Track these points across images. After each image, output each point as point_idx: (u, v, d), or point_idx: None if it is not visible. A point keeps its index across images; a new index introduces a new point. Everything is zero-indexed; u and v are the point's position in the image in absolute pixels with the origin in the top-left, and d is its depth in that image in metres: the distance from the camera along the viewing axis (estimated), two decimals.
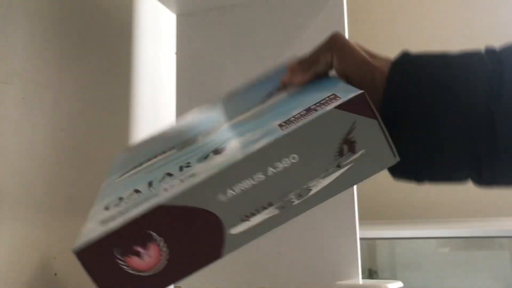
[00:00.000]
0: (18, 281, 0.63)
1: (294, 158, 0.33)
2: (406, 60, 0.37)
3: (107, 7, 0.86)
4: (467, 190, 1.74)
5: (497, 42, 0.40)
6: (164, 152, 0.44)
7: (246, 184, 0.33)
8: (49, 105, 0.70)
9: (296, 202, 0.35)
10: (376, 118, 0.34)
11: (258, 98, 0.46)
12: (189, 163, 0.37)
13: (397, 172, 0.38)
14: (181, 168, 0.36)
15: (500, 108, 0.33)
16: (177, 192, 0.32)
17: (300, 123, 0.33)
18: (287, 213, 0.35)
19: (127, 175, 0.44)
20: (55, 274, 0.69)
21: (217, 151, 0.36)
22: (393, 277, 1.58)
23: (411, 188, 1.80)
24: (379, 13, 1.91)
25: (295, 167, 0.34)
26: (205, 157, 0.36)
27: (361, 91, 0.33)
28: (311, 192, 0.35)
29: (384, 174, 0.39)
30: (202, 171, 0.34)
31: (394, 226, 1.65)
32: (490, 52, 0.36)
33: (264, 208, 0.34)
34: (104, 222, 0.34)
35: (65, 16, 0.75)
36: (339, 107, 0.33)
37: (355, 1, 1.76)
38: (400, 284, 0.84)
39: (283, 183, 0.34)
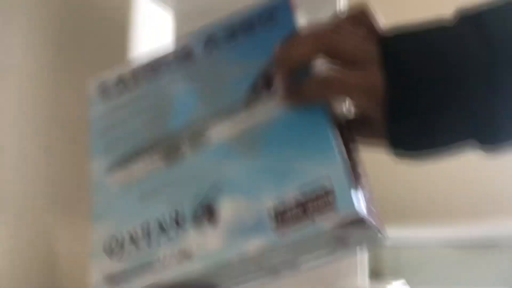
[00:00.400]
0: (18, 281, 0.63)
1: (287, 254, 0.37)
2: (399, 72, 0.37)
3: (105, 7, 0.86)
4: (468, 190, 1.73)
5: None
6: (151, 149, 0.44)
7: (239, 272, 0.38)
8: (47, 103, 0.71)
9: (285, 271, 0.41)
10: (371, 228, 0.36)
11: (241, 83, 0.43)
12: (182, 218, 0.40)
13: (401, 154, 0.39)
14: (172, 223, 0.40)
15: (498, 94, 0.35)
16: (170, 276, 0.38)
17: (295, 233, 0.35)
18: (277, 275, 0.41)
19: (117, 176, 0.46)
20: (55, 274, 0.69)
21: (210, 214, 0.38)
22: (397, 278, 1.57)
23: (412, 189, 1.80)
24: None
25: (288, 259, 0.38)
26: (197, 219, 0.39)
27: (359, 212, 0.34)
28: (301, 266, 0.40)
29: (384, 175, 0.39)
30: (195, 256, 0.38)
31: (397, 227, 1.65)
32: (474, 29, 0.36)
33: (256, 276, 0.40)
34: (109, 279, 0.41)
35: (63, 15, 0.76)
36: (335, 225, 0.34)
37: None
38: (404, 283, 0.84)
39: (275, 265, 0.39)
